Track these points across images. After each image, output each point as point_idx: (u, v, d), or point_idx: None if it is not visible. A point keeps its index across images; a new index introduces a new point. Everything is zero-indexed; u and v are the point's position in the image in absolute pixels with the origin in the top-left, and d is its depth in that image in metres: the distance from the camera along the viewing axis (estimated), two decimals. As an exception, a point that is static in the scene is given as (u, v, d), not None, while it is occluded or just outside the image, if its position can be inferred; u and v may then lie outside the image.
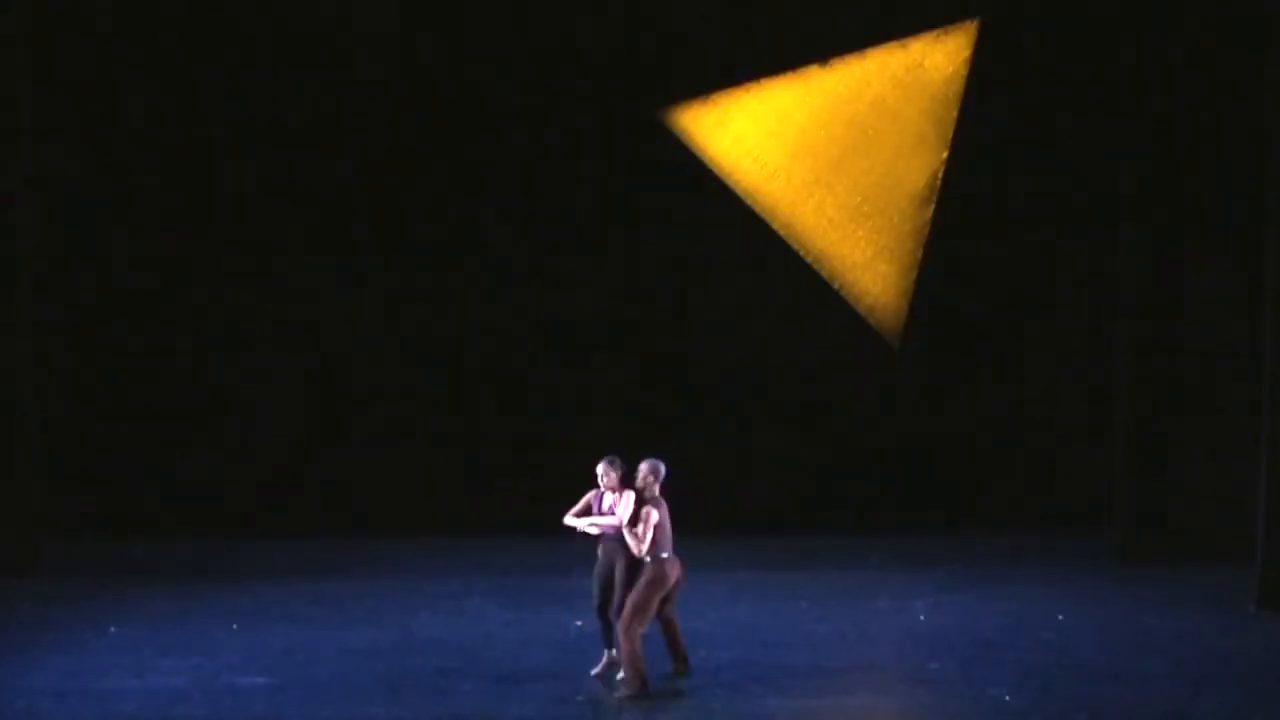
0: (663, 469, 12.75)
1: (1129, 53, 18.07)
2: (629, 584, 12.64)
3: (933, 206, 19.56)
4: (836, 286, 19.67)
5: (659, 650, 13.01)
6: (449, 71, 19.45)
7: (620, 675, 12.76)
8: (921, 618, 15.44)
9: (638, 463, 12.81)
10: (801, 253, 19.63)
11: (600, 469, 12.93)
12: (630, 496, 12.74)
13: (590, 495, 13.04)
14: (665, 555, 12.63)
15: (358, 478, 19.77)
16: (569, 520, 13.05)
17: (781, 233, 19.62)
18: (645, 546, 12.57)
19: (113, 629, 14.95)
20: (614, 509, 12.82)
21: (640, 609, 12.55)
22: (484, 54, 19.41)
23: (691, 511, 13.31)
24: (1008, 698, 12.46)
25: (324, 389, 19.81)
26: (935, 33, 19.41)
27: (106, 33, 18.96)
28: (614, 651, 12.95)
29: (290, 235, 19.59)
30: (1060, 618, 15.34)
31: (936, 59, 19.40)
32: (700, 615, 15.16)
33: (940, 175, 19.50)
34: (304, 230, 19.58)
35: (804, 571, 16.19)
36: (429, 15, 19.37)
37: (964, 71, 19.38)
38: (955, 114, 19.39)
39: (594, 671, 13.15)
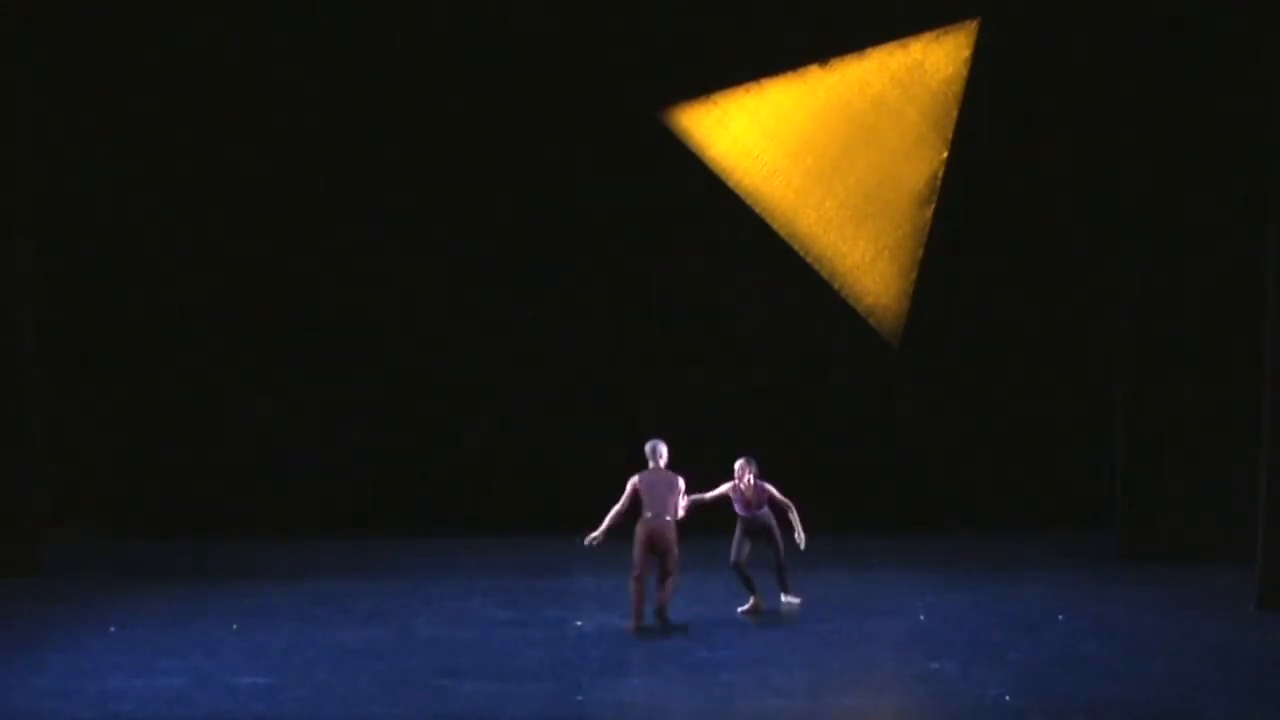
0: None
1: (1129, 53, 18.08)
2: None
3: (933, 206, 19.56)
4: (836, 286, 19.67)
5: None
6: (447, 72, 19.46)
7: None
8: (921, 618, 15.43)
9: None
10: (802, 253, 19.62)
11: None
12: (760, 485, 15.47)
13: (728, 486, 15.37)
14: (648, 515, 14.70)
15: (358, 478, 19.79)
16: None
17: (782, 233, 19.62)
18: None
19: (113, 629, 14.93)
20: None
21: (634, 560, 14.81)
22: (482, 52, 19.43)
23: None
24: (1008, 698, 12.45)
25: (323, 389, 19.80)
26: (935, 33, 19.42)
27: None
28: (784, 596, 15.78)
29: (289, 235, 19.61)
30: (1060, 618, 15.33)
31: (936, 59, 19.40)
32: (700, 615, 15.20)
33: (940, 175, 19.51)
34: (303, 229, 19.60)
35: (804, 571, 16.16)
36: (427, 19, 19.40)
37: (964, 71, 19.38)
38: (955, 114, 19.40)
39: (741, 609, 15.48)
